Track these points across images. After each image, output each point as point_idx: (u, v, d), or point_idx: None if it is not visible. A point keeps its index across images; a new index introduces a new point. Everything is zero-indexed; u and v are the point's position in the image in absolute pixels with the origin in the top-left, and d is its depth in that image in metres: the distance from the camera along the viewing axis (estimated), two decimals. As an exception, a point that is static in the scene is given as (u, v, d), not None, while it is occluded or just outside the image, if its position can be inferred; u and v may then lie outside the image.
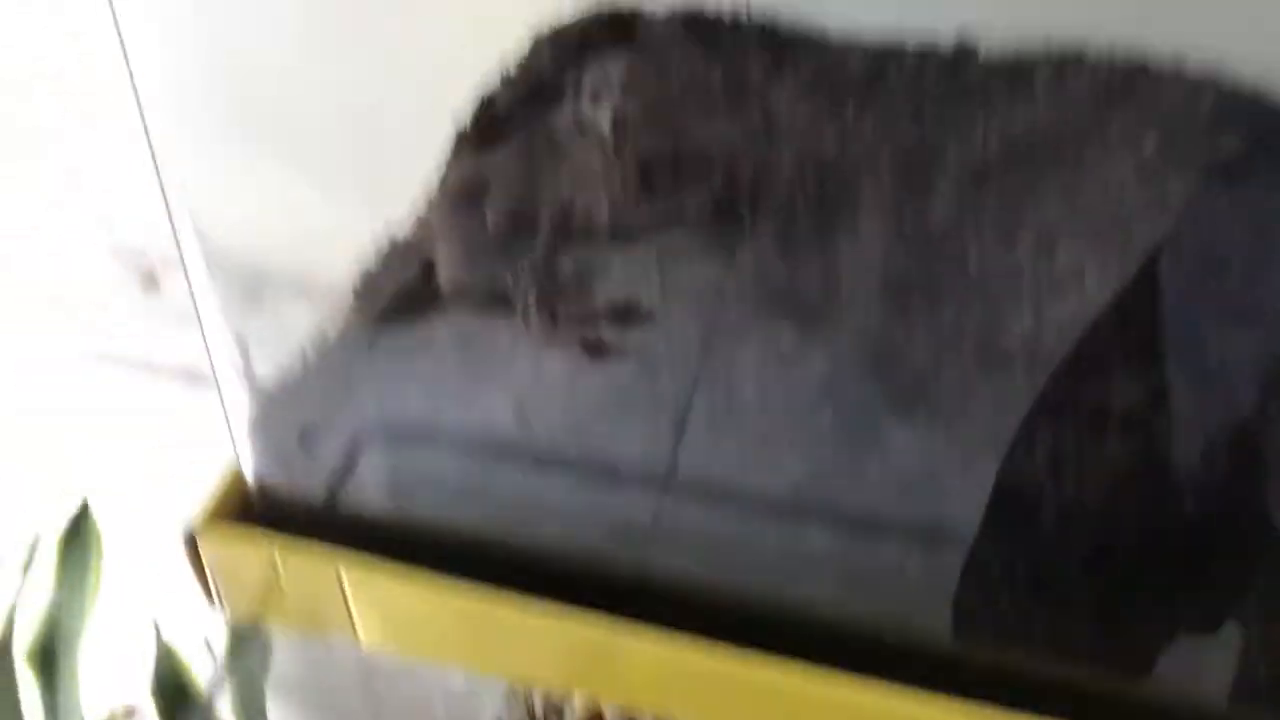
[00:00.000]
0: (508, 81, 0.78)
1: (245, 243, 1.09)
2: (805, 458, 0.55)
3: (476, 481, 0.57)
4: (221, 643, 1.25)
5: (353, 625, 0.58)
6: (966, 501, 0.53)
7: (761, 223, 0.67)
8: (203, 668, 1.27)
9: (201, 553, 0.55)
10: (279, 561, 0.55)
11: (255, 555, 0.55)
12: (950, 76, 0.77)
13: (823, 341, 0.58)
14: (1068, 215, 0.67)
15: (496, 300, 0.66)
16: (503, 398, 0.60)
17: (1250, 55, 0.77)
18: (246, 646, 1.22)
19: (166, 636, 1.30)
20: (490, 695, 1.15)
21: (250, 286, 1.14)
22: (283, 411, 0.58)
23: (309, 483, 0.56)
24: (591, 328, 0.66)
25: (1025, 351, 0.58)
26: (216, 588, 0.58)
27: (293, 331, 0.63)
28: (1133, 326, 0.59)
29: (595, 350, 0.64)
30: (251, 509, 0.57)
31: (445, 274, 0.66)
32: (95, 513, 1.31)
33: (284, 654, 1.30)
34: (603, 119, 0.80)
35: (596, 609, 0.51)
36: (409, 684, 1.23)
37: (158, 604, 1.30)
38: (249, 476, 0.56)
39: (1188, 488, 0.53)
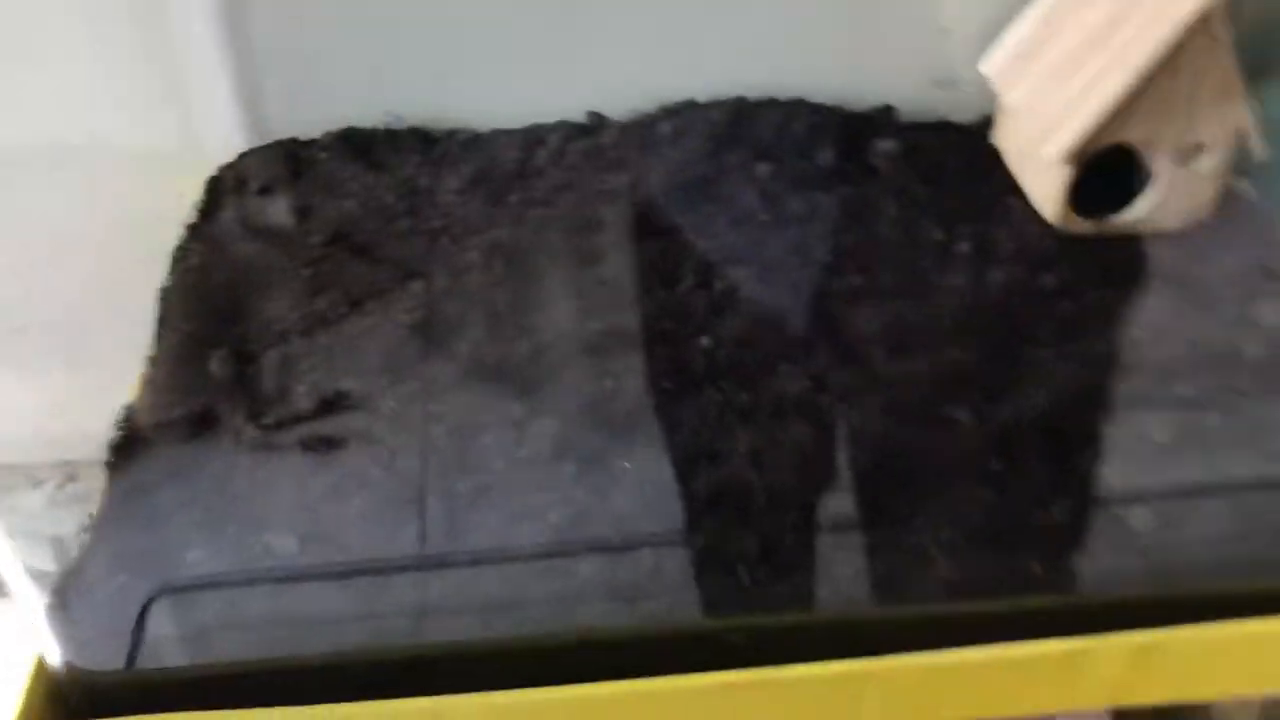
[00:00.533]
0: (195, 230, 0.82)
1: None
2: (562, 503, 0.63)
3: (259, 612, 0.61)
4: None
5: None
6: (696, 504, 0.63)
7: (456, 304, 0.75)
8: None
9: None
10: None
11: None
12: (591, 147, 0.88)
13: (541, 402, 0.67)
14: (716, 245, 0.79)
15: (208, 428, 0.70)
16: (251, 528, 0.64)
17: (824, 85, 0.93)
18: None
19: None
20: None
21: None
22: (72, 596, 0.61)
23: (112, 658, 0.59)
24: (307, 427, 0.72)
25: (709, 368, 0.69)
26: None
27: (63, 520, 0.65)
28: (786, 327, 0.71)
29: (318, 448, 0.70)
30: (64, 696, 0.59)
31: (148, 419, 0.69)
32: None
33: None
34: (278, 209, 0.85)
35: (408, 694, 0.58)
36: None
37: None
38: (55, 666, 0.58)
39: (861, 447, 0.66)
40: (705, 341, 0.72)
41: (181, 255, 0.80)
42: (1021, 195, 0.84)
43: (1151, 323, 0.74)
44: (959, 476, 0.63)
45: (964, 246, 0.79)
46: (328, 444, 0.68)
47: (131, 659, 0.61)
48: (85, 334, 0.90)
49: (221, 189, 0.87)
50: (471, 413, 0.68)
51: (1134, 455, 0.65)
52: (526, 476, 0.64)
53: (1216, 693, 0.59)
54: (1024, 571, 0.59)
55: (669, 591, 0.59)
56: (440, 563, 0.62)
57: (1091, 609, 0.58)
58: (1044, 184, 0.81)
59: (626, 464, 0.64)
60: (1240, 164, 0.82)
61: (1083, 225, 0.80)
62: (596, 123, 0.91)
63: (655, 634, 0.58)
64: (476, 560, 0.62)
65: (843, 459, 0.64)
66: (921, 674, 0.57)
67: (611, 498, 0.63)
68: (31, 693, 0.59)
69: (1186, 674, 0.58)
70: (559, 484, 0.64)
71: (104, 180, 0.90)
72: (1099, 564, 0.60)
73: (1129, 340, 0.72)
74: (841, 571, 0.59)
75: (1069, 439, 0.66)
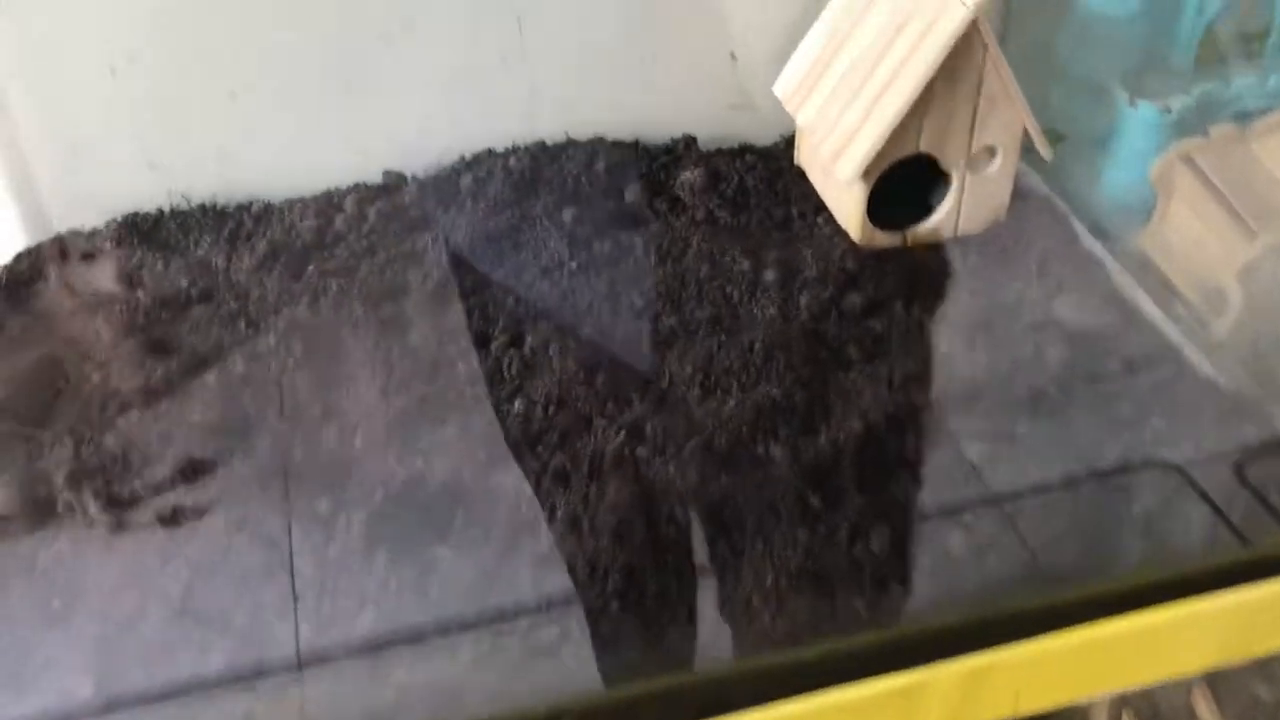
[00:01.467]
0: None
1: None
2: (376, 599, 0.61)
3: None
4: None
5: None
6: (517, 582, 0.61)
7: (253, 395, 0.72)
8: None
9: None
10: None
11: None
12: (390, 207, 0.86)
13: (347, 493, 0.65)
14: (526, 299, 0.78)
15: (47, 514, 0.65)
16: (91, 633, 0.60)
17: (622, 120, 0.92)
18: None
19: None
20: None
21: None
22: None
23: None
24: (161, 499, 0.68)
25: (524, 433, 0.67)
26: None
27: None
28: (600, 378, 0.70)
29: (176, 521, 0.66)
30: None
31: None
32: None
33: None
34: (102, 272, 0.81)
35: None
36: None
37: None
38: None
39: (680, 498, 0.65)
40: (519, 405, 0.70)
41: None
42: (826, 212, 0.84)
43: (957, 333, 0.75)
44: (777, 518, 0.63)
45: (770, 274, 0.79)
46: (183, 517, 0.65)
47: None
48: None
49: (-3, 293, 0.82)
50: (276, 516, 0.65)
51: (947, 475, 0.65)
52: (338, 577, 0.61)
53: (1053, 703, 0.59)
54: (849, 609, 0.59)
55: (489, 678, 0.57)
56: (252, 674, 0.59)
57: (919, 639, 0.58)
58: (844, 202, 0.82)
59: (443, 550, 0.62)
60: (1030, 162, 0.85)
61: (885, 239, 0.81)
62: (395, 181, 0.89)
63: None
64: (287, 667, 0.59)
65: (662, 514, 0.63)
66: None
67: (428, 586, 0.60)
68: None
69: (1022, 690, 0.59)
70: (372, 579, 0.61)
71: None
72: (922, 591, 0.60)
73: (936, 354, 0.73)
74: (672, 634, 0.58)
75: (883, 466, 0.66)
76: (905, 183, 0.79)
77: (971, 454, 0.66)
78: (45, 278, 0.83)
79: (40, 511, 0.66)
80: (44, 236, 0.85)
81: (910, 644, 0.59)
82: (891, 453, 0.67)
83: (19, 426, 0.72)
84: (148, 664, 0.58)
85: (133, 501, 0.66)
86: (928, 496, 0.64)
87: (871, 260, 0.80)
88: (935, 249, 0.82)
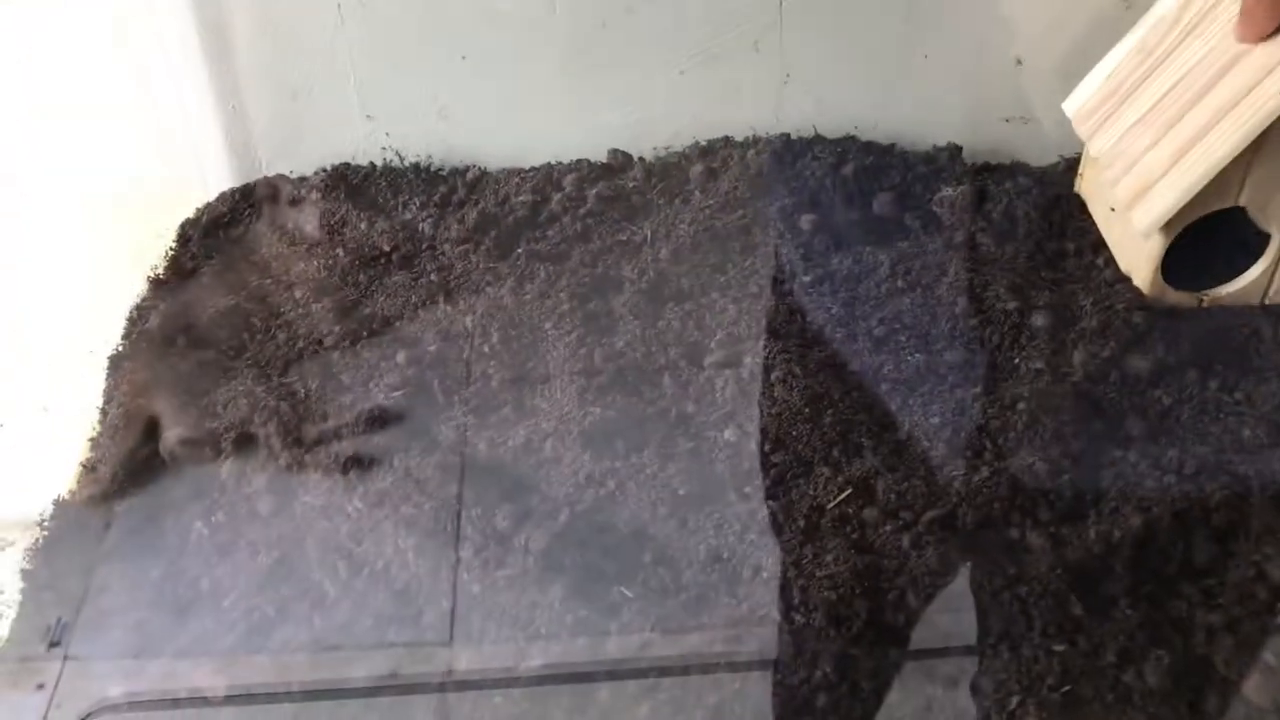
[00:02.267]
0: (157, 285, 0.73)
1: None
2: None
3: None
4: None
5: None
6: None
7: (448, 377, 0.65)
8: None
9: None
10: None
11: None
12: (610, 191, 0.77)
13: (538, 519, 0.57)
14: (743, 305, 0.69)
15: (237, 446, 0.61)
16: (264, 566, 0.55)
17: (878, 120, 0.81)
18: None
19: None
20: None
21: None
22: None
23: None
24: (347, 443, 0.62)
25: (727, 470, 0.58)
26: None
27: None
28: (827, 415, 0.60)
29: (351, 467, 0.61)
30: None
31: (172, 434, 0.61)
32: None
33: None
34: (306, 221, 0.77)
35: None
36: None
37: None
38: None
39: (911, 576, 0.55)
40: (729, 435, 0.61)
41: (138, 315, 0.71)
42: (1108, 253, 0.72)
43: (1264, 420, 0.61)
44: (1029, 625, 0.52)
45: (1040, 320, 0.67)
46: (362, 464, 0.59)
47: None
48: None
49: (194, 235, 0.78)
50: (446, 505, 0.58)
51: (1241, 593, 0.53)
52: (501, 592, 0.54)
53: None
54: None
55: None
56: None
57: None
58: (1134, 251, 0.69)
59: (626, 591, 0.54)
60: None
61: (1178, 297, 0.68)
62: (621, 162, 0.80)
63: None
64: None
65: (888, 597, 0.53)
66: None
67: (603, 627, 0.52)
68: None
69: None
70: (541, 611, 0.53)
71: (95, 218, 0.81)
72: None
73: (1236, 441, 0.60)
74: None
75: (1164, 574, 0.54)
76: (1208, 236, 0.66)
77: (1275, 573, 0.54)
78: (250, 219, 0.78)
79: (228, 441, 0.63)
80: (251, 178, 0.81)
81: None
82: (1176, 558, 0.54)
83: (217, 355, 0.68)
84: (307, 603, 0.53)
85: (314, 443, 0.61)
86: (1217, 618, 0.52)
87: (1164, 317, 0.67)
88: (1239, 314, 0.68)
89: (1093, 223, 0.75)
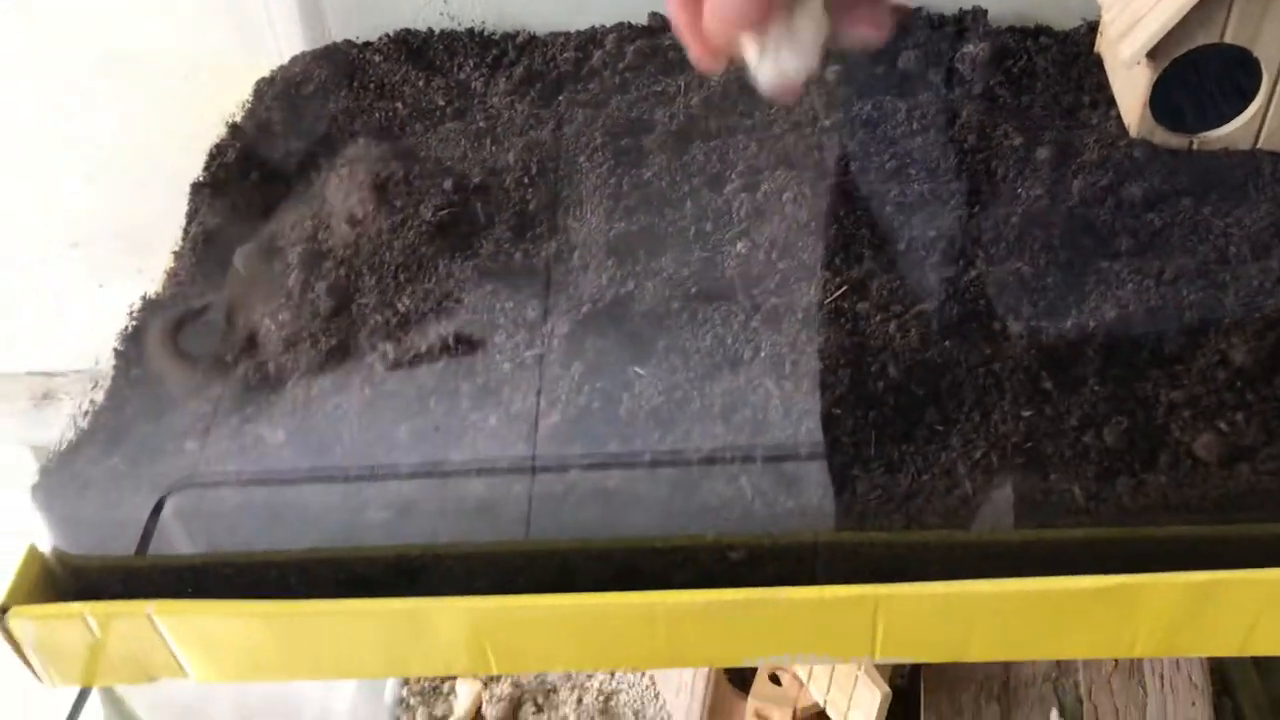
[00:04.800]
0: (235, 129, 0.81)
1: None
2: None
3: (262, 507, 0.59)
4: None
5: (179, 665, 0.60)
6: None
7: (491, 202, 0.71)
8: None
9: (14, 633, 0.57)
10: (92, 623, 0.57)
11: (67, 623, 0.57)
12: (648, 48, 0.83)
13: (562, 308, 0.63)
14: (765, 144, 0.74)
15: (301, 259, 0.67)
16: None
17: None
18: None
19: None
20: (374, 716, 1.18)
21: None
22: (67, 477, 0.60)
23: (105, 541, 0.58)
24: (398, 253, 0.69)
25: (737, 273, 0.64)
26: (38, 663, 0.60)
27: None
28: (833, 229, 0.65)
29: (404, 270, 0.67)
30: (57, 581, 0.58)
31: (245, 248, 0.68)
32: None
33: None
34: (369, 82, 0.83)
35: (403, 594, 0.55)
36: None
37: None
38: (44, 550, 0.58)
39: (899, 360, 0.60)
40: (741, 247, 0.66)
41: (218, 151, 0.78)
42: (1117, 109, 0.75)
43: (1250, 243, 0.65)
44: (1000, 394, 0.57)
45: (1043, 153, 0.71)
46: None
47: (122, 545, 0.60)
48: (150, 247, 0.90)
49: (269, 91, 0.85)
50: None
51: (1204, 379, 0.57)
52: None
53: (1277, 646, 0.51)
54: (1065, 497, 0.53)
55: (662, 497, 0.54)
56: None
57: (1139, 543, 0.52)
58: (1126, 89, 0.73)
59: (638, 370, 0.60)
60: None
61: (1166, 137, 0.72)
62: (659, 23, 0.86)
63: (650, 545, 0.54)
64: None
65: (870, 369, 0.58)
66: (938, 604, 0.52)
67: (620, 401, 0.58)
68: (22, 575, 0.59)
69: (1250, 622, 0.51)
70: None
71: (163, 87, 0.90)
72: (1154, 493, 0.53)
73: (1222, 257, 0.64)
74: (857, 489, 0.54)
75: (1133, 360, 0.58)
76: (1200, 83, 0.70)
77: (1237, 357, 0.58)
78: (319, 79, 0.85)
79: (294, 254, 0.69)
80: (320, 43, 0.88)
81: (1126, 547, 0.52)
82: (1147, 348, 0.59)
83: (287, 186, 0.75)
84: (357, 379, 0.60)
85: (370, 253, 0.68)
86: (1179, 395, 0.56)
87: (1166, 156, 0.71)
88: (1234, 155, 0.72)
89: (1108, 80, 0.79)
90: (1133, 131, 0.72)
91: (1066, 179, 0.70)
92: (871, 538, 0.53)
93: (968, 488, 0.53)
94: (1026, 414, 0.56)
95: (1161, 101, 0.70)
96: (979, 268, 0.64)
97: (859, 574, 0.53)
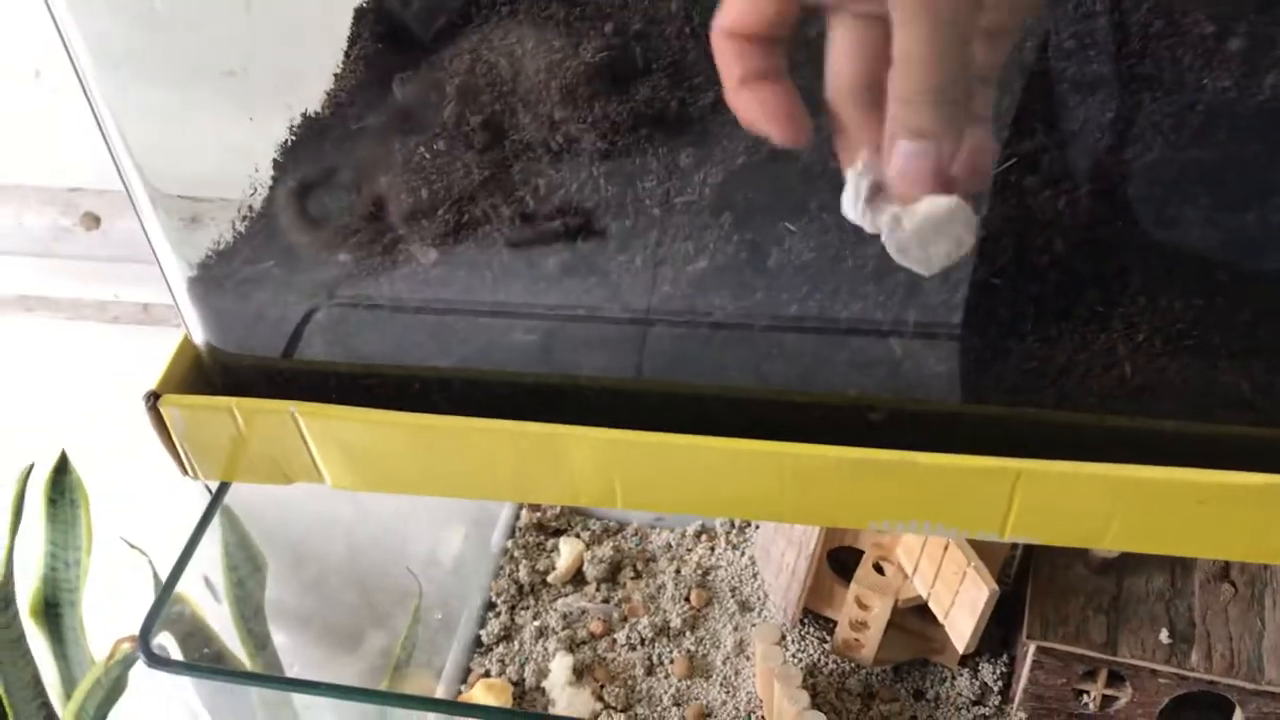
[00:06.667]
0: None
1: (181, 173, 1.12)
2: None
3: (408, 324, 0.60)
4: (220, 576, 1.29)
5: (317, 469, 0.62)
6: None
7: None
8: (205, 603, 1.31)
9: (165, 419, 0.59)
10: (239, 418, 0.59)
11: (213, 415, 0.59)
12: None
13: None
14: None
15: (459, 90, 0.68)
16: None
17: None
18: (245, 578, 1.26)
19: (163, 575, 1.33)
20: (477, 575, 1.21)
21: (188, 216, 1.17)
22: (222, 275, 0.62)
23: (256, 340, 0.60)
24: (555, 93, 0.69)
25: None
26: (185, 453, 0.62)
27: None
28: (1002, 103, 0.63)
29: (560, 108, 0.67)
30: (206, 374, 0.60)
31: (403, 76, 0.68)
32: (74, 460, 1.34)
33: (278, 577, 1.34)
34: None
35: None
36: (397, 582, 1.28)
37: (150, 542, 1.33)
38: (197, 343, 0.60)
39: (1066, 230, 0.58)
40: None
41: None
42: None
43: None
44: (1170, 283, 0.55)
45: (1236, 44, 0.67)
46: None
47: (271, 347, 0.61)
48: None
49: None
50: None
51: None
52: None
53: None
54: (1232, 388, 0.51)
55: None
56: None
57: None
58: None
59: (789, 226, 0.59)
60: None
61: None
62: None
63: (788, 398, 0.54)
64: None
65: (1033, 245, 0.56)
66: (1081, 484, 0.50)
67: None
68: (174, 365, 0.61)
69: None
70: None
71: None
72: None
73: None
74: (1010, 360, 0.53)
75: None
76: None
77: None
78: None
79: (451, 86, 0.69)
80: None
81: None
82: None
83: (448, 21, 0.74)
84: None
85: (527, 91, 0.67)
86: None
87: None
88: None
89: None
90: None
91: (1259, 73, 0.66)
92: (1019, 413, 0.52)
93: (1126, 369, 0.51)
94: (1197, 302, 0.53)
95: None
96: (1156, 153, 0.61)
97: (1000, 449, 0.52)
